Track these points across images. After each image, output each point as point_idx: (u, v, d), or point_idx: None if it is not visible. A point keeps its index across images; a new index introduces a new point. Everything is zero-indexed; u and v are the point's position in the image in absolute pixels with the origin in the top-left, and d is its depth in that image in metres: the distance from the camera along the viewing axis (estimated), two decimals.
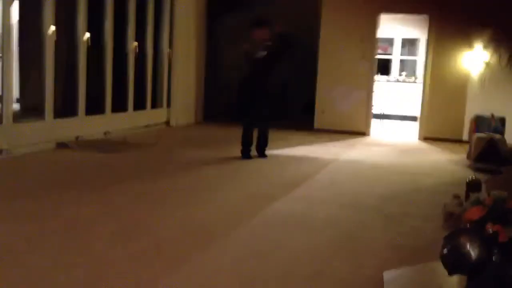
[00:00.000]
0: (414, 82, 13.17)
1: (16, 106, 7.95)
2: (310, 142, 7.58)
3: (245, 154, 5.81)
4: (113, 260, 2.53)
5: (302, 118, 9.89)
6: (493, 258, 1.85)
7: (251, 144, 5.86)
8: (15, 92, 8.23)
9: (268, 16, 5.95)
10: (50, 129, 5.76)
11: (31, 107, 7.32)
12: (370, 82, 9.10)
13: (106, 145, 6.16)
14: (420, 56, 12.39)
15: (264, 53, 5.70)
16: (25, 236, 2.82)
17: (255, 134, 5.85)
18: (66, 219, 3.18)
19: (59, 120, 5.95)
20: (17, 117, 5.82)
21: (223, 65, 10.71)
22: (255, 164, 5.59)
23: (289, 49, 5.78)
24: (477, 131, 7.05)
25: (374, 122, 9.59)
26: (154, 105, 8.47)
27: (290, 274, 2.49)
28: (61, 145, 5.80)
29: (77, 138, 6.15)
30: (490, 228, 2.05)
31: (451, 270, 1.89)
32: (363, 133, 9.06)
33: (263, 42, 5.73)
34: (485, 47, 7.40)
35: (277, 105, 5.93)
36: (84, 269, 2.42)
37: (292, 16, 9.75)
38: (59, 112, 6.07)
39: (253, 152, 5.88)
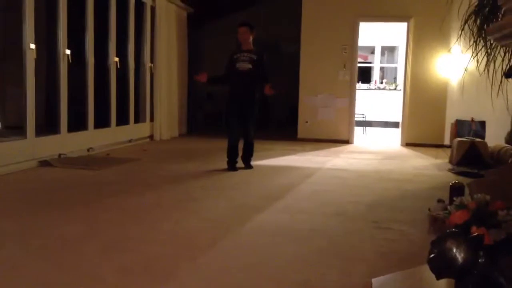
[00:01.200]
0: (395, 89, 13.34)
1: None
2: (294, 152, 7.61)
3: (231, 166, 5.82)
4: (100, 276, 2.51)
5: (285, 128, 9.96)
6: (479, 261, 1.88)
7: (237, 156, 5.86)
8: None
9: (251, 21, 5.99)
10: (32, 147, 5.70)
11: (12, 126, 7.25)
12: (352, 90, 9.19)
13: (89, 162, 6.12)
14: (400, 63, 12.56)
15: (249, 66, 5.71)
16: (8, 257, 2.78)
17: (240, 145, 5.88)
18: (51, 237, 3.15)
19: (41, 138, 5.90)
20: None
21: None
22: (240, 175, 5.59)
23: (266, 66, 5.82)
24: (458, 136, 7.16)
25: (357, 130, 9.69)
26: (137, 120, 8.45)
27: (279, 284, 2.49)
28: (44, 163, 5.75)
29: (60, 155, 6.10)
30: (475, 232, 2.08)
31: (439, 274, 1.91)
32: (347, 141, 9.14)
33: (249, 52, 5.75)
34: (463, 52, 7.52)
35: (263, 115, 5.95)
36: (71, 286, 2.39)
37: (275, 25, 9.88)
38: (41, 130, 6.03)
39: (239, 164, 5.89)
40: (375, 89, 14.10)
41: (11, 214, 3.72)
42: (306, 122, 9.27)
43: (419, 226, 3.56)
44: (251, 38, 5.82)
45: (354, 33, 9.03)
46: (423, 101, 8.87)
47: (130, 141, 8.02)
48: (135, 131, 8.30)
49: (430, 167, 6.58)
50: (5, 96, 8.04)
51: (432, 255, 1.91)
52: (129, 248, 2.98)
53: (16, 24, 5.75)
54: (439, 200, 3.62)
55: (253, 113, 5.82)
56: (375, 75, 15.09)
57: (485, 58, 4.62)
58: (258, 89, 5.81)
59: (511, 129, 5.88)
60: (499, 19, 4.22)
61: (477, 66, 4.72)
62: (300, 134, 9.30)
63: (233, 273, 2.62)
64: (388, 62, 16.24)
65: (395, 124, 11.30)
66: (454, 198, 2.73)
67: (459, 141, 6.48)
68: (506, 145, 5.87)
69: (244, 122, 5.81)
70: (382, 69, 15.92)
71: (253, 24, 5.90)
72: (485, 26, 4.44)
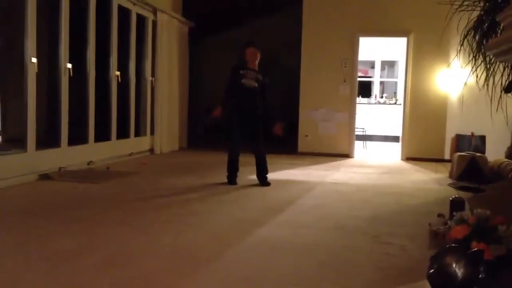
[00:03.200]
0: (395, 103, 13.36)
1: None
2: (294, 166, 7.61)
3: (231, 180, 5.81)
4: None
5: (284, 143, 9.94)
6: (480, 276, 1.87)
7: (237, 170, 5.85)
8: None
9: (256, 42, 5.99)
10: (33, 161, 5.70)
11: (12, 138, 7.26)
12: (352, 105, 9.21)
13: (89, 175, 6.11)
14: (400, 78, 12.59)
15: (255, 84, 5.71)
16: (6, 270, 2.77)
17: (241, 160, 5.87)
18: (51, 251, 3.14)
19: (41, 152, 5.90)
20: None
21: (206, 90, 10.77)
22: (241, 189, 5.58)
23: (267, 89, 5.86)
24: (458, 150, 7.16)
25: (357, 144, 9.68)
26: (138, 133, 8.46)
27: None
28: (44, 177, 5.74)
29: (60, 169, 6.10)
30: (475, 247, 2.08)
31: None
32: (347, 155, 9.13)
33: (254, 72, 5.75)
34: (462, 67, 7.56)
35: (266, 130, 5.93)
36: None
37: (275, 38, 9.92)
38: (42, 143, 6.03)
39: (238, 179, 5.88)
40: (375, 103, 14.12)
41: (10, 228, 3.71)
42: (306, 136, 9.28)
43: (419, 241, 3.55)
44: (258, 59, 5.83)
45: (354, 48, 9.08)
46: (423, 116, 8.88)
47: (130, 154, 8.02)
48: (135, 144, 8.31)
49: (430, 181, 6.57)
50: (6, 109, 8.05)
51: (432, 270, 1.90)
52: (129, 262, 2.96)
53: (17, 38, 5.78)
54: (439, 215, 3.62)
55: (259, 129, 5.80)
56: (375, 89, 15.13)
57: (485, 73, 4.64)
58: (261, 108, 5.80)
59: None
60: (498, 35, 4.25)
61: (477, 81, 4.74)
62: (300, 148, 9.31)
63: (232, 286, 2.61)
64: (388, 76, 16.29)
65: (395, 138, 11.30)
66: (454, 213, 2.73)
67: (459, 156, 6.48)
68: (507, 159, 5.87)
69: (253, 138, 5.78)
70: (382, 83, 15.97)
71: (259, 45, 5.90)
72: (484, 42, 4.47)
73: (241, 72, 5.75)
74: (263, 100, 5.81)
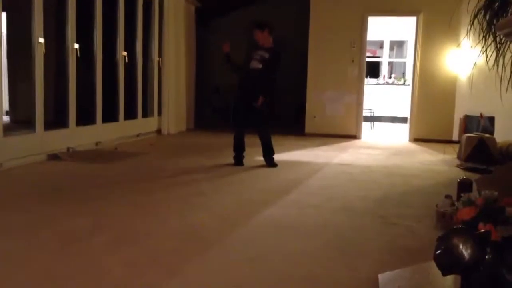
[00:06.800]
0: (404, 84, 13.28)
1: (6, 119, 7.95)
2: (302, 147, 7.61)
3: (238, 161, 5.82)
4: (108, 269, 2.53)
5: (293, 123, 9.94)
6: (486, 257, 1.87)
7: (243, 150, 5.86)
8: (5, 105, 8.22)
9: (268, 21, 5.89)
10: (41, 141, 5.74)
11: (21, 120, 7.30)
12: (360, 86, 9.16)
13: (97, 156, 6.15)
14: (409, 58, 12.50)
15: (259, 65, 5.67)
16: (16, 249, 2.81)
17: (247, 141, 5.87)
18: (59, 230, 3.17)
19: (50, 132, 5.93)
20: (7, 130, 5.79)
21: (213, 71, 10.75)
22: (248, 170, 5.60)
23: (276, 66, 5.77)
24: (467, 131, 7.11)
25: (364, 125, 9.65)
26: (145, 114, 8.47)
27: (286, 278, 2.49)
28: (52, 157, 5.78)
29: (68, 149, 6.14)
30: (482, 228, 2.08)
31: (445, 270, 1.90)
32: (354, 136, 9.12)
33: (263, 51, 5.71)
34: (472, 47, 7.48)
35: (271, 110, 5.89)
36: (79, 279, 2.41)
37: (283, 19, 9.84)
38: (50, 123, 6.06)
39: (245, 160, 5.90)
40: (383, 84, 14.03)
41: (20, 207, 3.75)
42: (314, 117, 9.25)
43: (427, 222, 3.56)
44: (266, 37, 5.76)
45: (362, 28, 8.99)
46: (432, 96, 8.82)
47: (138, 135, 8.05)
48: (143, 125, 8.33)
49: (438, 162, 6.56)
50: (15, 91, 8.08)
51: (439, 251, 1.90)
52: (137, 242, 2.99)
53: (25, 19, 5.77)
54: (447, 196, 3.62)
55: (260, 110, 5.77)
56: (384, 70, 15.02)
57: (494, 53, 4.58)
58: (266, 88, 5.75)
59: None
60: (509, 14, 4.19)
61: (486, 61, 4.68)
62: (307, 129, 9.29)
63: (240, 266, 2.63)
64: (397, 56, 16.17)
65: (403, 120, 11.26)
66: (462, 194, 2.73)
67: (468, 137, 6.44)
68: None
69: (254, 121, 5.77)
70: (390, 64, 15.86)
71: (264, 23, 5.79)
72: (494, 21, 4.41)
73: (250, 52, 5.75)
74: (269, 76, 5.73)
